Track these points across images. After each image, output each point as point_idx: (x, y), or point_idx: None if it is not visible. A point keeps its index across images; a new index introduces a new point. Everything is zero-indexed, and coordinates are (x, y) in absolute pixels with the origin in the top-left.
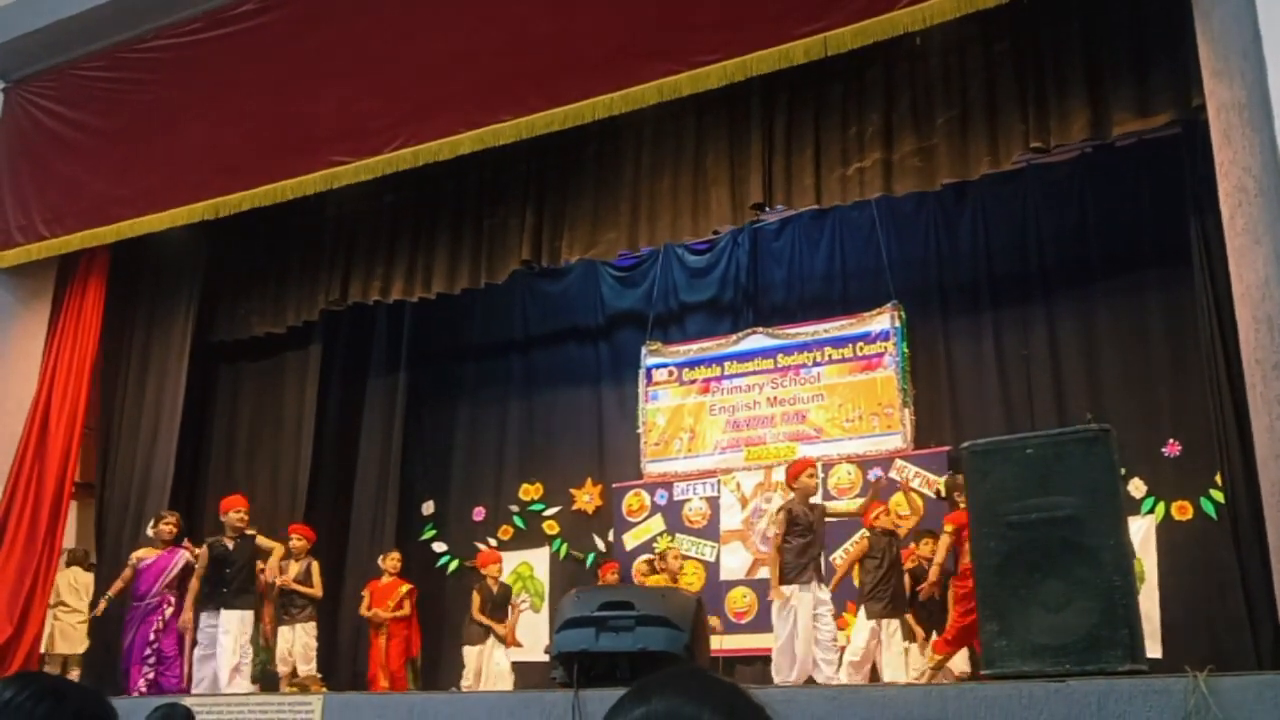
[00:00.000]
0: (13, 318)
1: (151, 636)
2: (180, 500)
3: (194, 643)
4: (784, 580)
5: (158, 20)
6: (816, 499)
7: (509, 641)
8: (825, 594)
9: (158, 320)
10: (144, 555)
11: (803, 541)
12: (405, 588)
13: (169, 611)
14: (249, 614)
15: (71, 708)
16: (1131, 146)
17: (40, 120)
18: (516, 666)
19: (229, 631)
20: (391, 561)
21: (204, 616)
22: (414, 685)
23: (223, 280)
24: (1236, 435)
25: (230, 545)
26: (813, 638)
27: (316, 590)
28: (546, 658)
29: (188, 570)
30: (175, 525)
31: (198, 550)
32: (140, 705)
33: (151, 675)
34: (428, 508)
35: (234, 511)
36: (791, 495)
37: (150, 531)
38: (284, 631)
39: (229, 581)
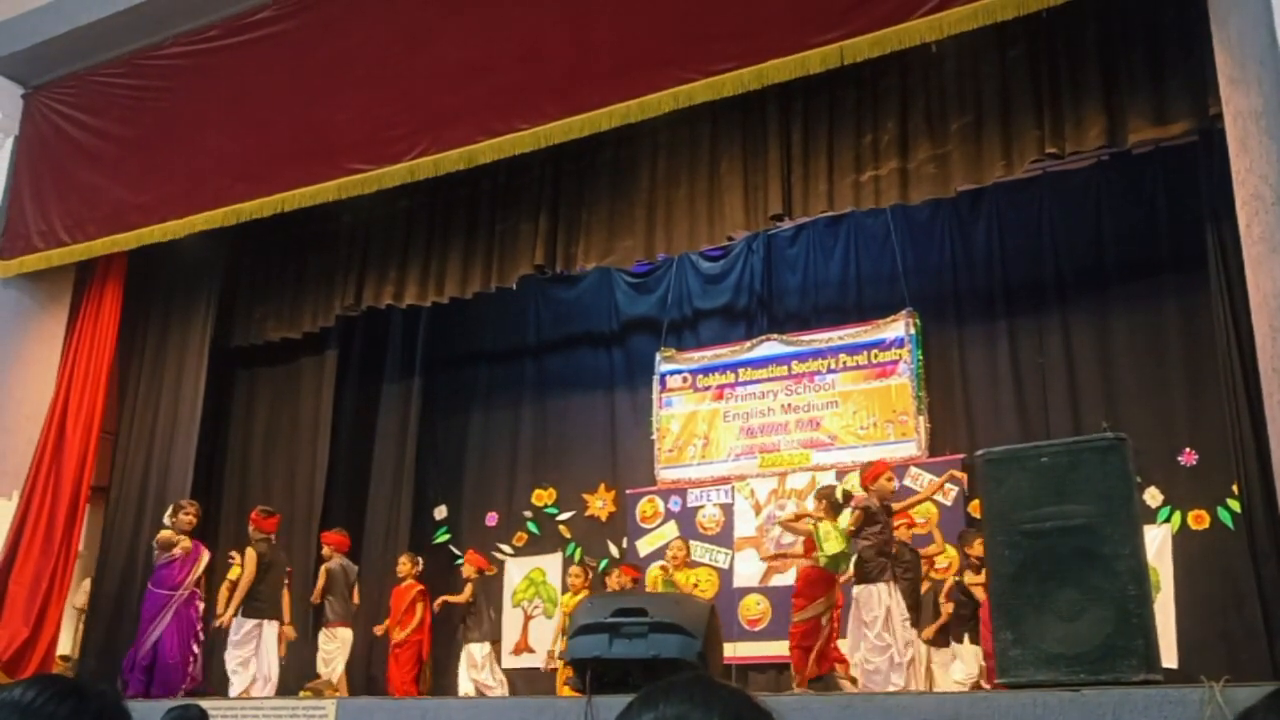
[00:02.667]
0: (31, 322)
1: (200, 633)
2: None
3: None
4: (865, 579)
5: (176, 28)
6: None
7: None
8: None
9: (174, 325)
10: (177, 540)
11: (881, 539)
12: (416, 589)
13: (201, 608)
14: (246, 621)
15: (93, 708)
16: (1148, 154)
17: (61, 126)
18: (528, 673)
19: None
20: (402, 565)
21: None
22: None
23: (239, 286)
24: (1253, 444)
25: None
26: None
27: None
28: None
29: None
30: (196, 515)
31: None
32: (152, 709)
33: (195, 671)
34: (440, 512)
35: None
36: (867, 494)
37: (169, 520)
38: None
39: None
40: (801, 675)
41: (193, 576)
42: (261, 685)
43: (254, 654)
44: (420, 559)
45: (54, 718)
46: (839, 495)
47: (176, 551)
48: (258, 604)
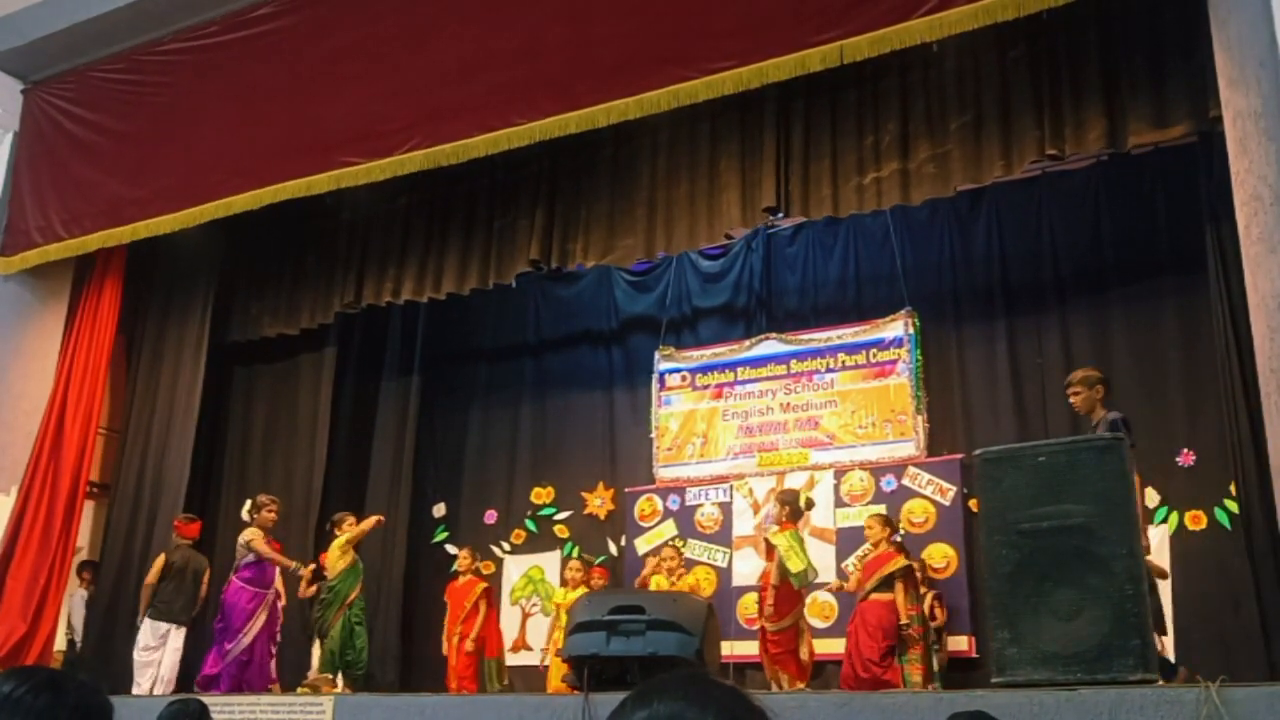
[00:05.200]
0: (29, 317)
1: (277, 633)
2: (195, 501)
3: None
4: None
5: (176, 23)
6: (828, 506)
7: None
8: None
9: (173, 321)
10: (254, 538)
11: None
12: (480, 587)
13: (280, 605)
14: (158, 624)
15: (70, 700)
16: (1147, 154)
17: (59, 122)
18: (526, 670)
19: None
20: (462, 560)
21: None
22: (491, 686)
23: (238, 282)
24: (1251, 445)
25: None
26: None
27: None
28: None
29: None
30: (277, 511)
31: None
32: (148, 705)
33: (272, 668)
34: (439, 510)
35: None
36: None
37: (249, 516)
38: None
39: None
40: (792, 678)
41: (279, 574)
42: (160, 687)
43: (159, 655)
44: (478, 553)
45: (33, 709)
46: (802, 502)
47: (262, 549)
48: (165, 607)
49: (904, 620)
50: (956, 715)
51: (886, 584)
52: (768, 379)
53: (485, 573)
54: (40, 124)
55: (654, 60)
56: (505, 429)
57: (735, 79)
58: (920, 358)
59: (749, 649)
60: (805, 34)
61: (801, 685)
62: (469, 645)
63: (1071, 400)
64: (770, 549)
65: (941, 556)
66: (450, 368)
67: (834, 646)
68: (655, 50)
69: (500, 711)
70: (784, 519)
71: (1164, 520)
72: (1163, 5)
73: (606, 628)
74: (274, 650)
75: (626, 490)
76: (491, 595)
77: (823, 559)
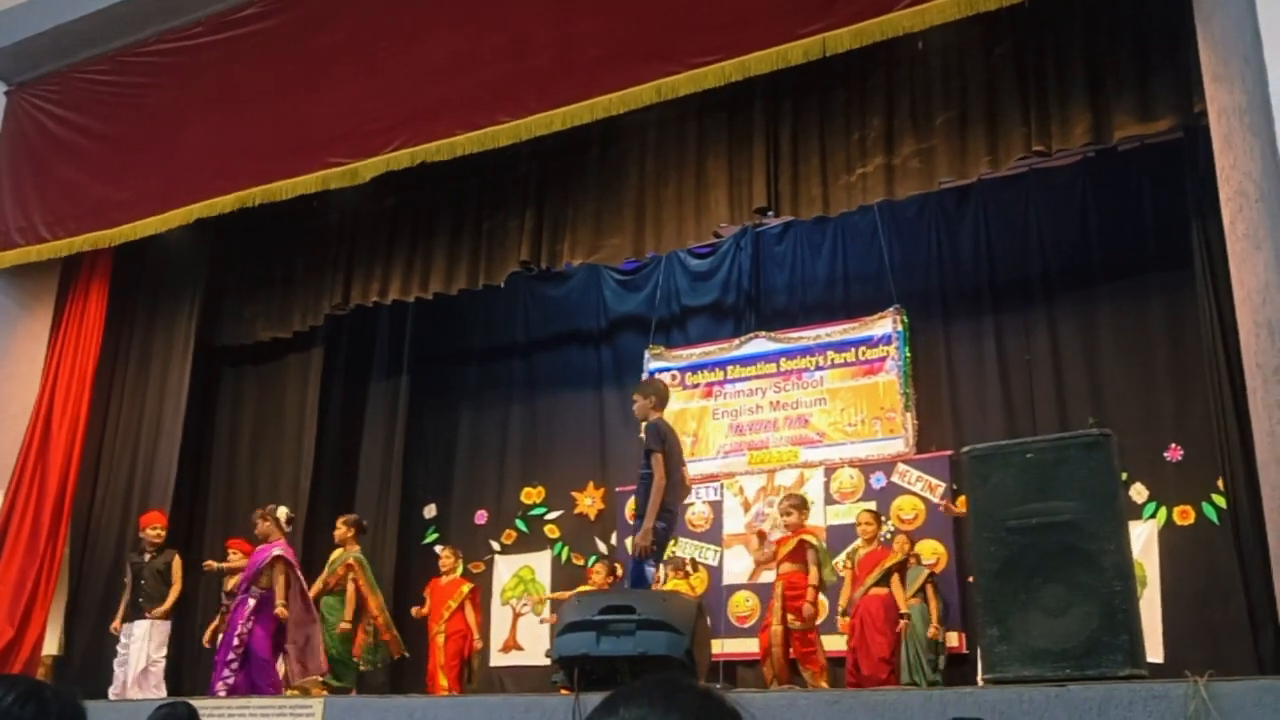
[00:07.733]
0: (15, 321)
1: (235, 640)
2: (183, 504)
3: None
4: None
5: (161, 25)
6: (819, 504)
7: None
8: None
9: (160, 324)
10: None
11: None
12: (466, 588)
13: (245, 613)
14: (158, 623)
15: (54, 709)
16: (1134, 151)
17: (43, 123)
18: (518, 670)
19: (136, 639)
20: (445, 559)
21: (125, 626)
22: (467, 685)
23: (226, 284)
24: (1238, 440)
25: (146, 559)
26: None
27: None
28: (547, 661)
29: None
30: (264, 518)
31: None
32: (138, 708)
33: (232, 680)
34: (429, 511)
35: (150, 528)
36: None
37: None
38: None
39: (141, 593)
40: (816, 674)
41: (237, 581)
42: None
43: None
44: (460, 552)
45: (20, 719)
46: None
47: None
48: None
49: (903, 611)
50: None
51: (884, 578)
52: (757, 377)
53: (475, 572)
54: (23, 125)
55: (638, 56)
56: (495, 429)
57: (718, 73)
58: (909, 355)
59: (739, 647)
60: (788, 28)
61: (823, 682)
62: (440, 639)
63: (633, 408)
64: (803, 550)
65: (931, 553)
66: (439, 368)
67: (828, 644)
68: (639, 46)
69: (490, 712)
70: (801, 524)
71: (1152, 515)
72: (1147, 2)
73: (596, 628)
74: (229, 658)
75: (617, 489)
76: (476, 597)
77: None
